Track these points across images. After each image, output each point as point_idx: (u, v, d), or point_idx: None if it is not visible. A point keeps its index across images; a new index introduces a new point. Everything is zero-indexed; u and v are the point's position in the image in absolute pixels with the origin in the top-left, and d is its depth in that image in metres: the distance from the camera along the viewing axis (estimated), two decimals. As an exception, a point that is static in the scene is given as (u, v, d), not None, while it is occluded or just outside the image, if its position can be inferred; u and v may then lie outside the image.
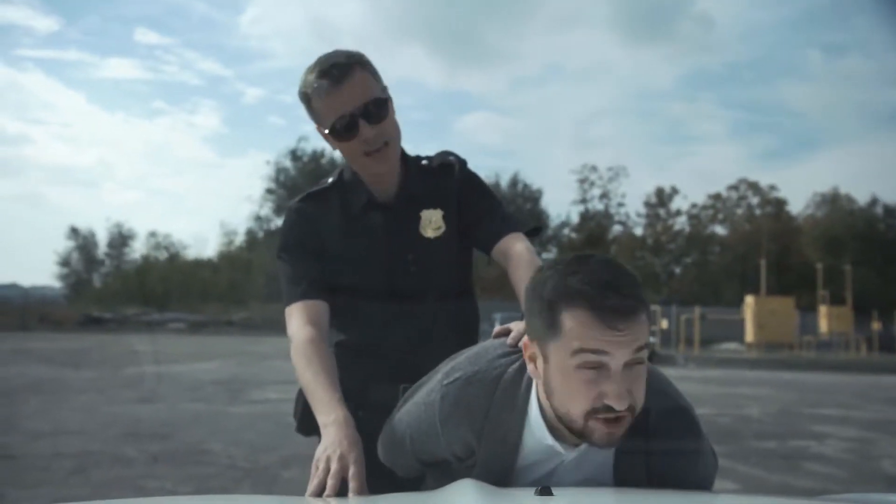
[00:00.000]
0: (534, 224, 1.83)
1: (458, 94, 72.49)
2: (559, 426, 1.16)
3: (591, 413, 1.09)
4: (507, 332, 1.36)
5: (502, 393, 1.22)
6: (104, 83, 66.67)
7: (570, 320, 1.07)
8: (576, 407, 1.09)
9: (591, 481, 1.23)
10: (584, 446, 1.18)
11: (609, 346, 1.06)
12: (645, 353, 1.09)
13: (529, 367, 1.18)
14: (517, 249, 1.67)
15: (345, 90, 1.57)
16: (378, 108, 1.60)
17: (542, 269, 1.16)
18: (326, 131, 1.62)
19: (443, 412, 1.26)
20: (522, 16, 68.03)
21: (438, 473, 1.37)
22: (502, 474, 1.24)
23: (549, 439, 1.19)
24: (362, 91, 1.58)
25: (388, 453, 1.42)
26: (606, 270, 1.09)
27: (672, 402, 1.23)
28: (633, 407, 1.09)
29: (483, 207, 1.76)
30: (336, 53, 1.61)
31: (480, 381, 1.25)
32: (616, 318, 1.05)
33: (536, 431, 1.21)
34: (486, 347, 1.34)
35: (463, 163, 1.81)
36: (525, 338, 1.18)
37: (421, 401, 1.33)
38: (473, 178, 1.81)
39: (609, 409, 1.07)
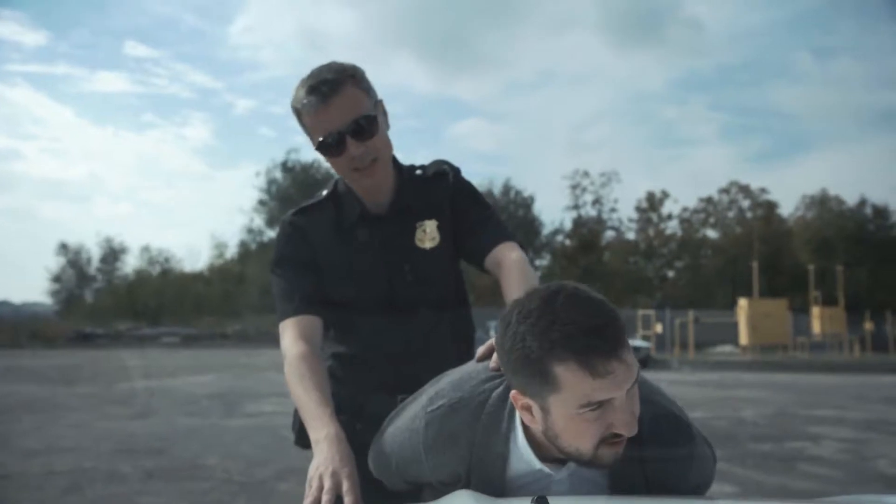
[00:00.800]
0: (521, 238, 1.82)
1: (449, 101, 72.82)
2: (547, 446, 1.15)
3: (600, 443, 1.09)
4: (491, 352, 1.34)
5: (487, 418, 1.20)
6: (94, 97, 66.76)
7: (566, 375, 1.04)
8: (585, 444, 1.09)
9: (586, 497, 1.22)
10: (573, 465, 1.18)
11: (610, 391, 1.05)
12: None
13: (524, 416, 1.15)
14: (511, 259, 1.66)
15: (332, 107, 1.56)
16: (367, 124, 1.59)
17: (507, 322, 1.10)
18: (315, 148, 1.62)
19: (427, 440, 1.24)
20: (513, 22, 68.53)
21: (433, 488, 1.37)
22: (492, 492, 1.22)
23: (537, 463, 1.19)
24: (350, 108, 1.57)
25: (377, 471, 1.41)
26: (582, 311, 1.04)
27: (662, 410, 1.22)
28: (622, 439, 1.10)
29: (476, 217, 1.76)
30: (327, 68, 1.60)
31: (465, 408, 1.23)
32: (609, 364, 1.03)
33: (524, 455, 1.20)
34: (470, 372, 1.33)
35: (457, 171, 1.80)
36: (513, 391, 1.14)
37: (405, 426, 1.31)
38: (467, 187, 1.80)
39: (617, 434, 1.08)
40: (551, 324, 1.04)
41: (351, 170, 1.63)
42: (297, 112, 1.62)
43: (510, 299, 1.48)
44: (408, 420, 1.31)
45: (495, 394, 1.23)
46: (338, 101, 1.56)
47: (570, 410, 1.07)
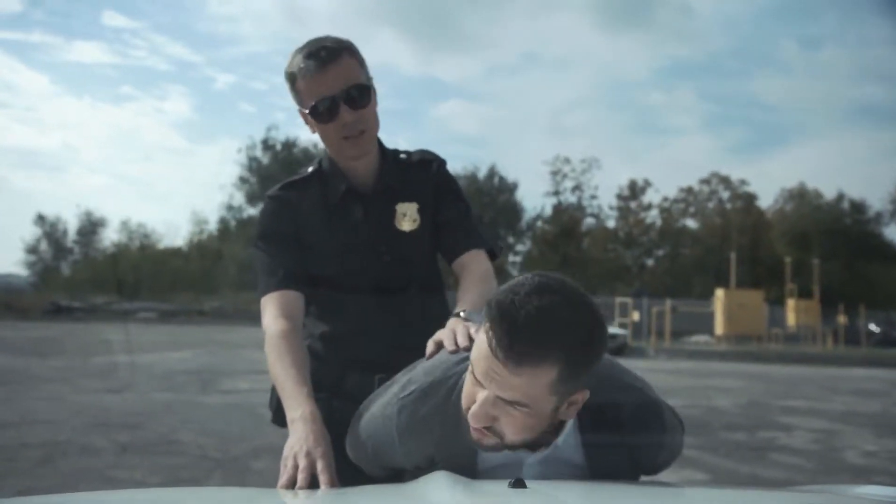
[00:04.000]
0: (495, 243, 1.84)
1: (431, 81, 72.50)
2: None
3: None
4: (439, 348, 1.39)
5: (458, 400, 1.21)
6: (70, 66, 65.88)
7: (483, 338, 1.09)
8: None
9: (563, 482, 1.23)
10: (548, 449, 1.20)
11: (489, 379, 1.09)
12: (525, 409, 1.09)
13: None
14: (475, 269, 1.72)
15: (330, 73, 1.58)
16: (360, 94, 1.61)
17: (507, 283, 1.14)
18: (307, 111, 1.63)
19: (399, 426, 1.26)
20: (499, 2, 68.02)
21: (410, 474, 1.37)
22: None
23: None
24: (347, 76, 1.60)
25: (355, 458, 1.41)
26: (526, 308, 1.06)
27: (631, 392, 1.25)
28: (500, 434, 1.13)
29: (455, 215, 1.79)
30: (326, 38, 1.63)
31: (436, 392, 1.26)
32: (507, 358, 1.06)
33: None
34: (441, 357, 1.34)
35: (442, 163, 1.83)
36: None
37: (378, 413, 1.32)
38: (451, 181, 1.84)
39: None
40: (510, 298, 1.07)
41: (340, 138, 1.63)
42: (292, 76, 1.63)
43: (461, 305, 1.56)
44: (381, 407, 1.32)
45: (466, 375, 1.24)
46: (334, 67, 1.58)
47: (470, 377, 1.13)
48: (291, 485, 1.22)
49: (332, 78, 1.58)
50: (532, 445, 1.18)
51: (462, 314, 1.48)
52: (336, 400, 1.60)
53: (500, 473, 1.22)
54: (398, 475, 1.35)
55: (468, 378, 1.14)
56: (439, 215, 1.78)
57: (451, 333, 1.40)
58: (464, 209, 1.82)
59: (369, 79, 1.66)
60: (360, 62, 1.64)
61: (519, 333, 1.04)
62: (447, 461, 1.23)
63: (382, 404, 1.33)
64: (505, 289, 1.10)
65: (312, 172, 1.74)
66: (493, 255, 1.80)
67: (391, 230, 1.72)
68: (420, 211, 1.74)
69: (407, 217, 1.73)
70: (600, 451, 1.21)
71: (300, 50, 1.62)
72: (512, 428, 1.12)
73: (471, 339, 1.33)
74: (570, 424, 1.21)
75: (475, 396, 1.12)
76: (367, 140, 1.66)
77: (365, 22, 69.61)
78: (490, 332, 1.07)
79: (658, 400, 1.27)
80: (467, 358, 1.25)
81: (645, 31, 67.69)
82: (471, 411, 1.11)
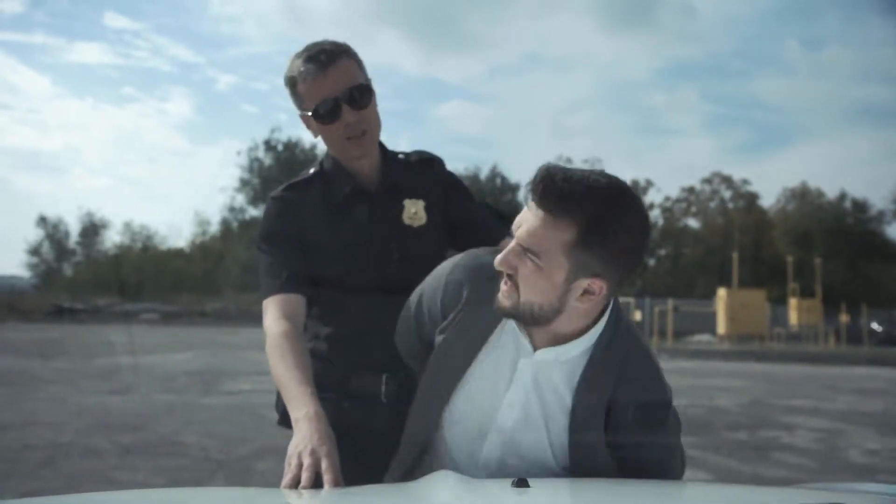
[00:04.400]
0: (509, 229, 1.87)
1: (433, 82, 72.54)
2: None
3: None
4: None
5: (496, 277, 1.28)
6: (72, 68, 65.93)
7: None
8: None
9: (551, 389, 1.29)
10: (545, 352, 1.27)
11: (515, 229, 1.21)
12: (539, 261, 1.17)
13: None
14: None
15: (330, 75, 1.61)
16: (361, 94, 1.64)
17: None
18: (310, 114, 1.65)
19: (457, 262, 1.41)
20: (502, 2, 68.00)
21: (419, 466, 1.38)
22: (471, 343, 1.33)
23: (519, 332, 1.29)
24: (347, 77, 1.63)
25: (400, 324, 1.54)
26: (568, 170, 1.18)
27: (650, 364, 1.32)
28: (516, 286, 1.21)
29: (470, 211, 1.83)
30: (324, 42, 1.66)
31: (488, 253, 1.37)
32: (535, 197, 1.18)
33: (508, 324, 1.32)
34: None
35: (441, 162, 1.85)
36: None
37: (444, 262, 1.47)
38: (456, 180, 1.87)
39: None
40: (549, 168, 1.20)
41: (343, 139, 1.66)
42: (293, 80, 1.65)
43: None
44: (447, 259, 1.48)
45: None
46: (334, 69, 1.62)
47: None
48: (295, 484, 1.22)
49: (333, 80, 1.61)
50: (542, 319, 1.23)
51: None
52: (345, 401, 1.61)
53: (501, 354, 1.31)
54: (423, 350, 1.44)
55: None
56: (453, 214, 1.80)
57: None
58: (476, 204, 1.86)
59: (368, 80, 1.68)
60: (359, 64, 1.67)
61: (551, 182, 1.15)
62: (470, 313, 1.33)
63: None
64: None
65: (315, 173, 1.75)
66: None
67: (399, 227, 1.73)
68: (427, 208, 1.75)
69: (415, 214, 1.74)
70: (591, 397, 1.27)
71: (299, 54, 1.64)
72: (525, 281, 1.19)
73: None
74: (589, 340, 1.26)
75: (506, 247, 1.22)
76: (369, 140, 1.68)
77: (367, 22, 69.76)
78: (530, 185, 1.18)
79: (668, 399, 1.33)
80: None
81: (647, 32, 67.70)
82: (497, 258, 1.22)
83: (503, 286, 1.22)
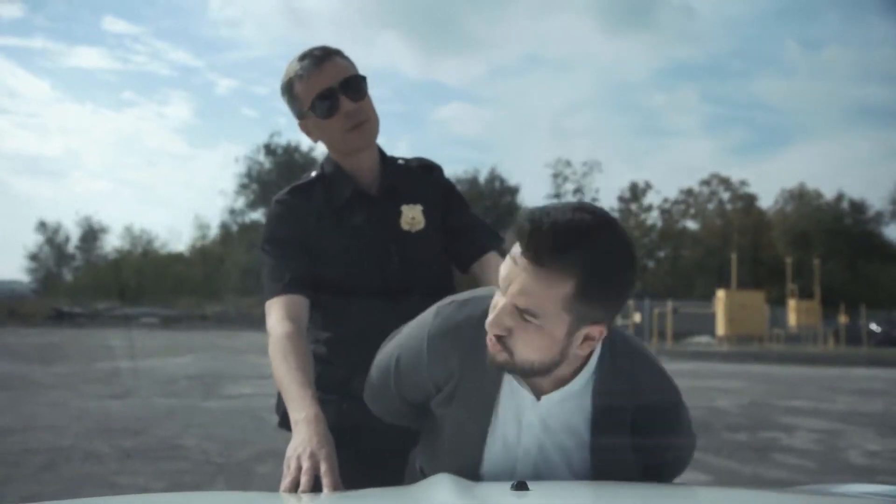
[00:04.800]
0: (502, 238, 1.88)
1: (433, 85, 72.55)
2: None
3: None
4: None
5: None
6: (72, 72, 65.87)
7: (513, 246, 1.12)
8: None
9: (564, 429, 1.25)
10: (550, 397, 1.22)
11: (508, 278, 1.11)
12: (537, 320, 1.10)
13: None
14: (496, 268, 1.73)
15: (325, 69, 1.67)
16: (358, 84, 1.69)
17: None
18: (307, 108, 1.68)
19: (432, 328, 1.29)
20: (501, 3, 68.00)
21: (422, 455, 1.39)
22: (479, 409, 1.26)
23: (516, 381, 1.23)
24: (342, 69, 1.69)
25: (372, 387, 1.44)
26: (554, 217, 1.08)
27: (656, 370, 1.29)
28: (511, 349, 1.14)
29: (464, 221, 1.85)
30: (316, 46, 1.71)
31: (473, 306, 1.28)
32: (527, 256, 1.08)
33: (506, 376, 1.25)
34: (491, 287, 1.36)
35: (440, 169, 1.88)
36: None
37: (414, 323, 1.37)
38: (454, 188, 1.89)
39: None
40: (545, 209, 1.10)
41: (344, 130, 1.69)
42: (289, 83, 1.70)
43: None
44: (418, 318, 1.37)
45: None
46: (329, 64, 1.68)
47: (498, 293, 1.16)
48: (294, 487, 1.22)
49: (329, 73, 1.67)
50: (542, 372, 1.17)
51: None
52: (345, 402, 1.61)
53: (508, 408, 1.25)
54: (402, 455, 1.36)
55: (496, 294, 1.16)
56: (450, 221, 1.82)
57: None
58: (471, 213, 1.88)
59: (364, 80, 1.73)
60: (352, 64, 1.72)
61: (541, 236, 1.06)
62: (468, 382, 1.26)
63: (420, 316, 1.37)
64: (544, 205, 1.12)
65: (317, 176, 1.77)
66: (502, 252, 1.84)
67: (397, 231, 1.75)
68: (425, 213, 1.77)
69: (413, 218, 1.76)
70: (605, 410, 1.23)
71: (293, 60, 1.70)
72: (523, 342, 1.12)
73: None
74: (588, 371, 1.22)
75: (496, 306, 1.14)
76: (369, 130, 1.72)
77: (366, 25, 69.79)
78: (514, 235, 1.10)
79: (670, 377, 1.31)
80: None
81: (646, 33, 67.72)
82: (488, 319, 1.14)
83: (493, 344, 1.15)
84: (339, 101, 1.66)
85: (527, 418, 1.24)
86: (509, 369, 1.17)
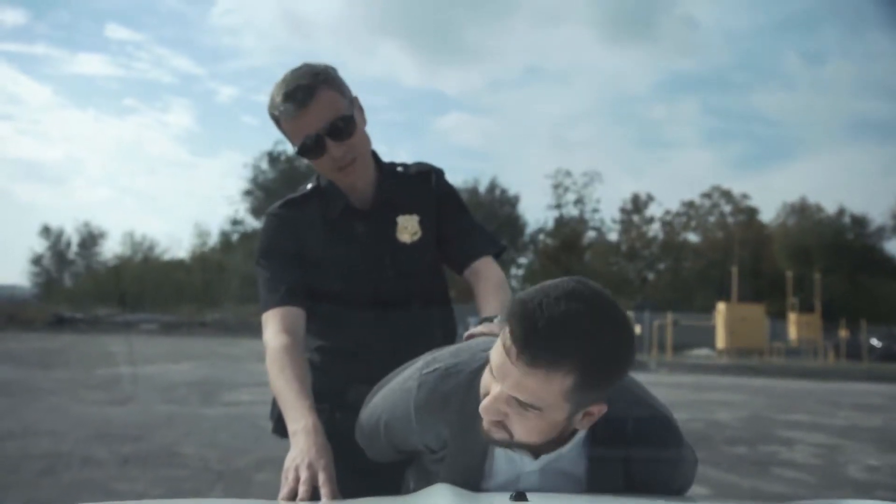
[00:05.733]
0: (501, 243, 1.88)
1: (434, 94, 72.56)
2: None
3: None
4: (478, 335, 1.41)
5: (479, 386, 1.19)
6: (74, 79, 66.02)
7: (506, 335, 1.06)
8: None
9: (560, 476, 1.22)
10: (548, 457, 1.19)
11: (504, 377, 1.07)
12: (536, 410, 1.07)
13: None
14: (489, 275, 1.75)
15: (310, 111, 1.60)
16: (345, 125, 1.63)
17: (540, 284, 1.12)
18: (295, 147, 1.66)
19: (418, 400, 1.26)
20: (501, 13, 68.09)
21: (416, 475, 1.38)
22: (473, 472, 1.23)
23: (509, 449, 1.19)
24: (327, 110, 1.61)
25: (363, 436, 1.43)
26: (549, 311, 1.03)
27: (650, 410, 1.23)
28: (509, 432, 1.11)
29: (459, 225, 1.82)
30: (300, 73, 1.63)
31: (459, 373, 1.25)
32: (521, 358, 1.04)
33: None
34: (470, 342, 1.35)
35: (440, 173, 1.85)
36: None
37: (398, 387, 1.33)
38: (452, 192, 1.87)
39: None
40: (536, 299, 1.04)
41: (333, 170, 1.67)
42: (275, 118, 1.66)
43: (483, 309, 1.59)
44: (402, 381, 1.33)
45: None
46: (314, 105, 1.60)
47: (489, 369, 1.12)
48: (293, 497, 1.23)
49: (313, 116, 1.60)
50: (543, 448, 1.17)
51: (496, 320, 1.48)
52: (338, 412, 1.62)
53: (501, 473, 1.22)
54: (399, 464, 1.35)
55: (487, 369, 1.13)
56: (444, 226, 1.80)
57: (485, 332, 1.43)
58: (468, 218, 1.85)
59: (352, 102, 1.67)
60: (340, 90, 1.65)
61: (536, 336, 1.01)
62: (459, 447, 1.23)
63: (403, 378, 1.33)
64: (535, 288, 1.07)
65: (312, 189, 1.77)
66: (500, 253, 1.84)
67: (393, 243, 1.74)
68: (421, 223, 1.77)
69: (409, 229, 1.75)
70: (604, 466, 1.20)
71: (278, 89, 1.63)
72: (522, 428, 1.10)
73: None
74: (580, 434, 1.19)
75: (490, 389, 1.10)
76: (359, 167, 1.70)
77: (367, 34, 69.87)
78: (508, 329, 1.05)
79: (667, 415, 1.25)
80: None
81: (648, 45, 67.79)
82: (482, 404, 1.10)
83: (490, 424, 1.12)
84: (325, 145, 1.62)
85: (526, 475, 1.22)
86: (507, 447, 1.16)
